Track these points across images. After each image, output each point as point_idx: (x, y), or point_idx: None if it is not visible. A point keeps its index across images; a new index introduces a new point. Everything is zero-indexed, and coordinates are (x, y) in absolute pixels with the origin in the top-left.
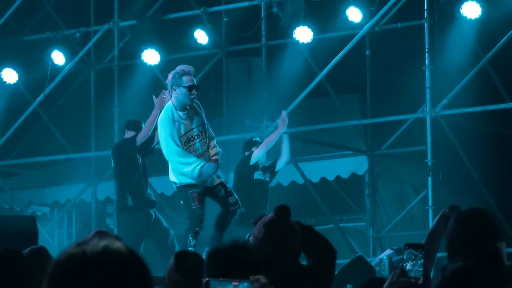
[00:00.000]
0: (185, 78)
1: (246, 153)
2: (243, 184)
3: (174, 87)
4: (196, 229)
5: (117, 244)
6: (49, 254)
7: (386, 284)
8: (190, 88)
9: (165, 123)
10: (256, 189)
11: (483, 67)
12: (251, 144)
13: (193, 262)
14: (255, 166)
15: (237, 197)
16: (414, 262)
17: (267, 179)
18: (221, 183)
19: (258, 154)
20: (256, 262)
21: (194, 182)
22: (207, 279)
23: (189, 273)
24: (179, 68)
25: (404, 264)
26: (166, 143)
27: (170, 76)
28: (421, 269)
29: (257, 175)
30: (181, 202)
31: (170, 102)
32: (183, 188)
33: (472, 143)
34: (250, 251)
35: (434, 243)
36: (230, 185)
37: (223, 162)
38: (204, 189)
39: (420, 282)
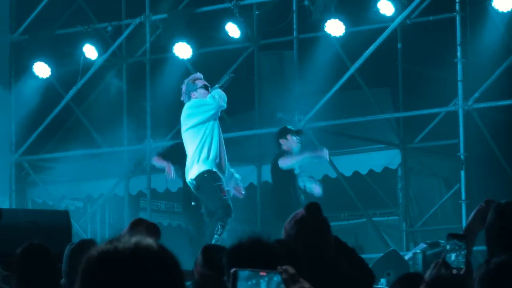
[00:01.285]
0: (198, 82)
1: (280, 140)
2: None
3: (191, 93)
4: (227, 219)
5: (148, 240)
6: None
7: (427, 274)
8: (206, 87)
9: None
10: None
11: None
12: (286, 131)
13: (221, 256)
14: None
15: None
16: (457, 253)
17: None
18: (220, 186)
19: (288, 164)
20: (276, 255)
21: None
22: (234, 269)
23: (216, 267)
24: (189, 78)
25: (448, 255)
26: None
27: (183, 87)
28: (464, 260)
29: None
30: (192, 203)
31: None
32: (207, 181)
33: (505, 136)
34: (267, 244)
35: (471, 237)
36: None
37: (255, 156)
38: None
39: (462, 273)
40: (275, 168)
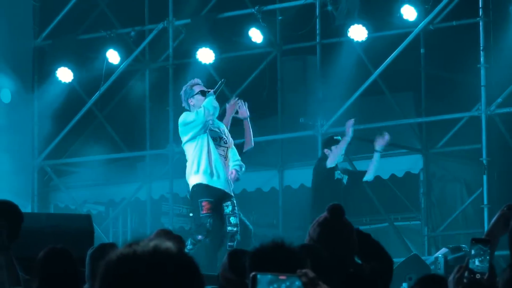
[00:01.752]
0: (195, 88)
1: (325, 150)
2: (323, 183)
3: (189, 99)
4: (199, 237)
5: (167, 244)
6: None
7: (450, 278)
8: (202, 92)
9: None
10: (335, 188)
11: None
12: (331, 142)
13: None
14: (335, 166)
15: (237, 221)
16: (481, 258)
17: (344, 181)
18: (232, 201)
19: (333, 161)
20: (297, 259)
21: (206, 183)
22: (254, 273)
23: (241, 271)
24: (187, 83)
25: (472, 260)
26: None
27: (182, 93)
28: (487, 265)
29: (337, 174)
30: (190, 214)
31: None
32: (194, 195)
33: None
34: (289, 249)
35: (493, 241)
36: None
37: (277, 161)
38: (215, 200)
39: (485, 277)
40: (319, 172)
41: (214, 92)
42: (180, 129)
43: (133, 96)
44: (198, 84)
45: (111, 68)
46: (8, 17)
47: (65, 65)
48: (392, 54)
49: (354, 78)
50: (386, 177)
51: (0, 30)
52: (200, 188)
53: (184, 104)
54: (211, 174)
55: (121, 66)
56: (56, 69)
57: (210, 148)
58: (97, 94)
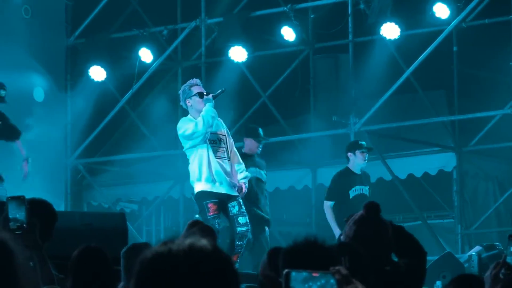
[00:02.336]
0: (193, 88)
1: (348, 154)
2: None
3: (187, 99)
4: None
5: (203, 242)
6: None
7: (487, 274)
8: (200, 94)
9: None
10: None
11: None
12: (356, 146)
13: None
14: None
15: (247, 220)
16: None
17: (366, 192)
18: (238, 200)
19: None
20: (331, 256)
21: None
22: (287, 270)
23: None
24: (186, 83)
25: (509, 257)
26: None
27: (180, 93)
28: None
29: (351, 193)
30: (196, 216)
31: (188, 116)
32: (199, 199)
33: None
34: (322, 246)
35: None
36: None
37: (310, 159)
38: (220, 200)
39: None
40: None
41: (213, 98)
42: (180, 138)
43: (165, 95)
44: (197, 85)
45: (144, 66)
46: (41, 16)
47: (98, 64)
48: (425, 52)
49: (386, 76)
50: (419, 175)
51: (33, 29)
52: (204, 193)
53: (181, 103)
54: (213, 181)
55: (154, 64)
56: (89, 68)
57: (210, 157)
58: (130, 92)
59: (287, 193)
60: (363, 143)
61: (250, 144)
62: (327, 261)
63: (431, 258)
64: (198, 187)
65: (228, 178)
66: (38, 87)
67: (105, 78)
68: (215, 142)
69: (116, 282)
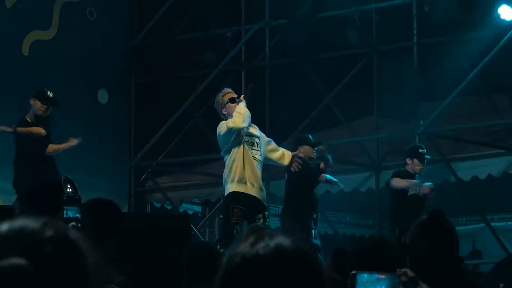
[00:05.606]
0: (225, 97)
1: (407, 160)
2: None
3: (222, 109)
4: (224, 243)
5: (288, 242)
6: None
7: None
8: (232, 100)
9: None
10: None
11: None
12: (415, 154)
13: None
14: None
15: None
16: None
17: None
18: (264, 213)
19: (397, 186)
20: (397, 258)
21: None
22: (353, 272)
23: (346, 271)
24: (217, 95)
25: None
26: None
27: (215, 106)
28: None
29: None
30: (220, 216)
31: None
32: (226, 202)
33: None
34: (389, 248)
35: None
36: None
37: (374, 161)
38: (247, 207)
39: None
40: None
41: (244, 98)
42: (218, 140)
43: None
44: (228, 92)
45: (207, 68)
46: (105, 18)
47: (161, 65)
48: (490, 54)
49: (451, 78)
50: (483, 177)
51: (97, 31)
52: (234, 195)
53: (221, 116)
54: (246, 183)
55: (218, 66)
56: (153, 69)
57: (245, 158)
58: (193, 95)
59: (350, 196)
60: (423, 151)
61: (305, 151)
62: (393, 263)
63: (494, 261)
64: (230, 187)
65: (259, 182)
66: (102, 88)
67: (169, 80)
68: (250, 144)
69: (179, 283)
